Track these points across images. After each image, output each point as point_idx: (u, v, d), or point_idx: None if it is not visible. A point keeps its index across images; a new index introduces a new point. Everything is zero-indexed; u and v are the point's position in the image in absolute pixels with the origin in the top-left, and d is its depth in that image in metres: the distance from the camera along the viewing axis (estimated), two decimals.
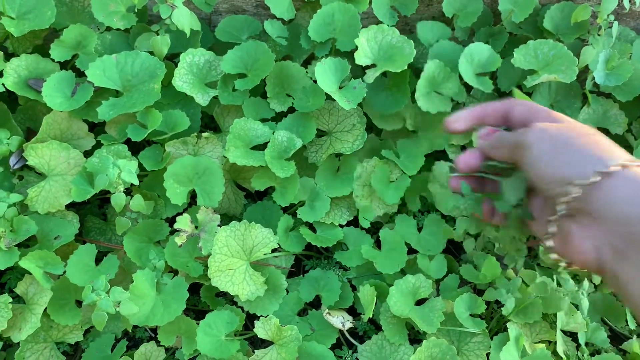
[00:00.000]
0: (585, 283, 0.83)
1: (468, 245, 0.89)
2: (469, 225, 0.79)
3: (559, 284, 0.84)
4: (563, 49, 0.89)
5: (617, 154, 0.52)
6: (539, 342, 0.87)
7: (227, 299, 0.92)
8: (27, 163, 0.86)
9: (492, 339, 0.84)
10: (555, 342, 0.86)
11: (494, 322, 0.90)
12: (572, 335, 0.89)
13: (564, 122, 0.58)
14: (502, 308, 0.86)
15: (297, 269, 0.97)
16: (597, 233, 0.51)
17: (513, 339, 0.81)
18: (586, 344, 0.88)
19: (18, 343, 0.85)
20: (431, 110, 0.90)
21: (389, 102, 0.92)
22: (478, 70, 0.92)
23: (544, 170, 0.54)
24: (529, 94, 0.99)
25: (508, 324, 0.84)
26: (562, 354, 0.85)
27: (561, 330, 0.87)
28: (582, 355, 0.87)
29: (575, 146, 0.54)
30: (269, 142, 0.89)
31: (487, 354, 0.83)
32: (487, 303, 0.87)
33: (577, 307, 0.85)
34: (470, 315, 0.85)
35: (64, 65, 0.91)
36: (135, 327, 0.92)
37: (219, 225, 0.85)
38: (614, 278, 0.51)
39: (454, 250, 0.99)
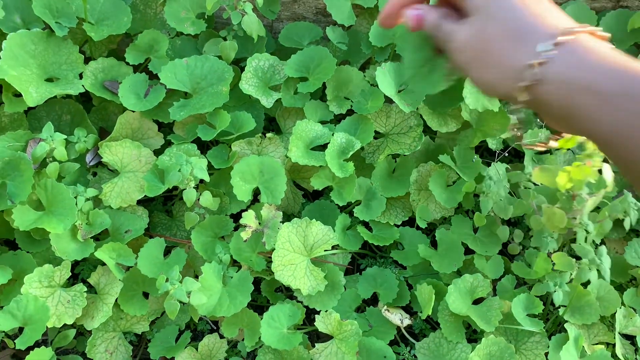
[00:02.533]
0: (602, 248, 0.84)
1: (503, 234, 0.91)
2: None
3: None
4: None
5: (547, 31, 0.50)
6: (596, 344, 0.87)
7: (286, 294, 0.95)
8: (101, 160, 0.91)
9: (549, 339, 0.85)
10: (614, 345, 0.86)
11: (550, 324, 0.91)
12: (630, 338, 0.90)
13: None
14: (559, 309, 0.88)
15: (352, 268, 0.99)
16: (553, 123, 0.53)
17: (572, 339, 0.81)
18: None
19: (90, 331, 0.89)
20: (479, 108, 0.92)
21: (445, 101, 0.94)
22: None
23: (480, 78, 0.54)
24: None
25: (566, 325, 0.85)
26: (621, 357, 0.85)
27: (619, 333, 0.88)
28: None
29: (493, 53, 0.53)
30: (328, 143, 0.92)
31: (545, 354, 0.84)
32: (544, 303, 0.88)
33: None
34: (527, 315, 0.86)
35: (136, 68, 0.96)
36: (196, 321, 0.95)
37: (281, 222, 0.88)
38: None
39: (507, 254, 1.00)
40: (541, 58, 0.49)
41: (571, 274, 0.87)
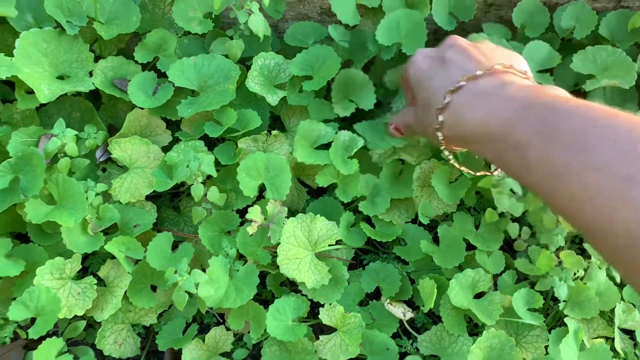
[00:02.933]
0: None
1: (513, 230, 0.92)
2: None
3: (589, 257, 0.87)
4: (622, 54, 0.92)
5: (456, 76, 0.68)
6: (596, 338, 0.89)
7: (290, 288, 0.97)
8: (111, 156, 0.94)
9: (549, 332, 0.86)
10: (613, 339, 0.88)
11: (550, 318, 0.92)
12: (629, 333, 0.91)
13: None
14: (559, 304, 0.89)
15: (355, 263, 1.01)
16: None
17: (572, 332, 0.83)
18: None
19: (99, 323, 0.91)
20: None
21: None
22: (537, 67, 0.96)
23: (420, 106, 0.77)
24: (584, 95, 1.01)
25: (566, 319, 0.86)
26: (620, 351, 0.87)
27: (618, 327, 0.89)
28: None
29: (422, 125, 0.77)
30: (332, 141, 0.94)
31: (545, 347, 0.86)
32: (544, 298, 0.89)
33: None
34: (528, 310, 0.88)
35: (145, 67, 0.98)
36: (204, 313, 0.97)
37: (286, 217, 0.90)
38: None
39: (508, 250, 1.02)
40: (438, 121, 0.70)
41: (577, 272, 0.89)
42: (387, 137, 0.94)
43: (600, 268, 0.87)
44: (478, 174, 0.88)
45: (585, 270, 0.90)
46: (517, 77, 0.67)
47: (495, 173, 0.86)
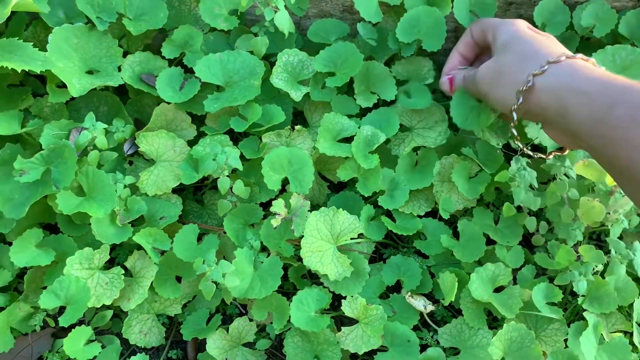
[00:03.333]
0: (637, 243, 0.87)
1: (530, 224, 0.93)
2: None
3: (615, 252, 0.88)
4: None
5: (532, 63, 0.73)
6: (614, 332, 0.90)
7: (312, 281, 0.98)
8: (138, 150, 0.96)
9: (568, 326, 0.88)
10: (631, 333, 0.89)
11: (569, 313, 0.94)
12: None
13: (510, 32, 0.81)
14: (578, 298, 0.90)
15: (375, 258, 1.03)
16: (555, 130, 0.76)
17: (591, 326, 0.84)
18: None
19: (126, 313, 0.94)
20: None
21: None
22: None
23: (493, 102, 0.80)
24: None
25: (585, 313, 0.87)
26: (638, 345, 0.88)
27: (636, 322, 0.90)
28: None
29: (504, 74, 0.77)
30: (354, 135, 0.96)
31: (565, 341, 0.87)
32: (562, 293, 0.91)
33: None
34: (547, 303, 0.89)
35: (171, 62, 1.00)
36: (228, 304, 0.99)
37: (309, 211, 0.92)
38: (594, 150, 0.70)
39: (528, 245, 1.03)
40: (537, 71, 0.71)
41: (596, 266, 0.90)
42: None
43: (621, 263, 0.88)
44: (549, 157, 0.89)
45: (605, 265, 0.91)
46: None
47: (558, 153, 0.90)
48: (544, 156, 0.89)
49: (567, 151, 0.89)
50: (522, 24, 0.82)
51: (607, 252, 0.93)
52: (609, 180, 0.86)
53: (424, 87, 1.00)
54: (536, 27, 1.03)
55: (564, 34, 1.04)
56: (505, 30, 0.81)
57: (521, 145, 0.85)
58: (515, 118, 0.77)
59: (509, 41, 0.79)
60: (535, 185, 0.91)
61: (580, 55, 0.73)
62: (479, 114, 0.89)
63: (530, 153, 0.87)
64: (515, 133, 0.82)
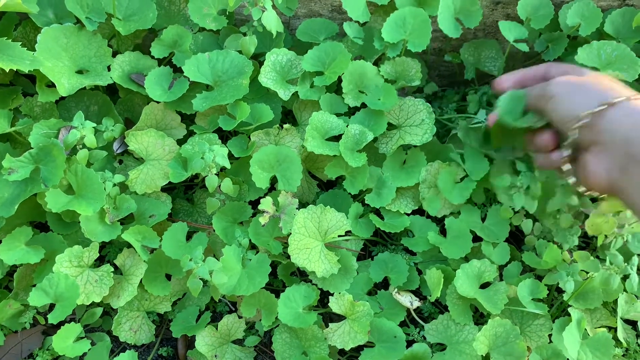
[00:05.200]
0: (635, 258, 0.87)
1: (526, 227, 0.94)
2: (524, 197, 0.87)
3: (610, 263, 0.88)
4: (626, 49, 0.94)
5: (623, 92, 0.66)
6: (599, 328, 0.91)
7: (301, 278, 0.99)
8: (127, 148, 0.96)
9: (553, 322, 0.89)
10: (615, 329, 0.90)
11: (555, 309, 0.94)
12: (632, 324, 0.93)
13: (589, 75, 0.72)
14: (563, 294, 0.91)
15: (364, 254, 1.04)
16: (606, 157, 0.65)
17: (575, 321, 0.85)
18: None
19: (116, 311, 0.94)
20: None
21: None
22: None
23: (562, 109, 0.69)
24: None
25: (569, 309, 0.88)
26: (622, 340, 0.89)
27: (621, 318, 0.91)
28: None
29: (586, 87, 0.68)
30: (342, 134, 0.97)
31: (549, 336, 0.88)
32: (548, 290, 0.91)
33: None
34: (532, 300, 0.90)
35: (161, 62, 1.01)
36: (217, 301, 1.00)
37: (297, 209, 0.93)
38: (621, 193, 0.64)
39: (514, 242, 1.04)
40: (596, 109, 0.65)
41: (588, 273, 0.90)
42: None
43: (617, 275, 0.88)
44: (597, 195, 0.75)
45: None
46: None
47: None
48: (593, 195, 0.76)
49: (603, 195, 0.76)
50: (561, 79, 0.73)
51: (597, 257, 0.94)
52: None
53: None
54: (521, 22, 1.04)
55: (552, 34, 1.06)
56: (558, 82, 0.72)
57: (580, 188, 0.73)
58: (570, 138, 0.68)
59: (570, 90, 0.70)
60: (539, 192, 0.90)
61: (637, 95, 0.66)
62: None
63: (577, 187, 0.75)
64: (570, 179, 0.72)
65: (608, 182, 0.65)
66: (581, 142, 0.68)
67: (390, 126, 1.01)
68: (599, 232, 0.87)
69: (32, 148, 0.87)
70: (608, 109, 0.64)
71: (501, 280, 0.94)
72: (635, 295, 0.93)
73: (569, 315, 0.88)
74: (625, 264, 0.86)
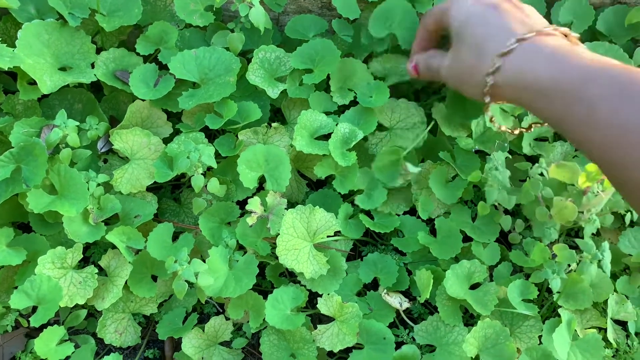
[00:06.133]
0: (605, 243, 0.87)
1: (505, 223, 0.94)
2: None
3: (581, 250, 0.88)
4: (619, 50, 0.94)
5: (518, 28, 0.65)
6: (589, 329, 0.90)
7: (290, 279, 0.98)
8: (112, 147, 0.94)
9: (543, 323, 0.88)
10: (605, 330, 0.89)
11: (545, 309, 0.94)
12: (622, 324, 0.93)
13: None
14: (553, 295, 0.91)
15: (354, 255, 1.03)
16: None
17: (565, 322, 0.84)
18: (636, 333, 0.91)
19: (100, 313, 0.93)
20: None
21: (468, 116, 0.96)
22: None
23: (464, 93, 0.75)
24: None
25: (559, 310, 0.88)
26: (612, 341, 0.88)
27: (611, 318, 0.91)
28: (632, 344, 0.90)
29: (466, 72, 0.71)
30: (332, 133, 0.95)
31: (539, 337, 0.87)
32: (539, 290, 0.91)
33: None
34: (523, 300, 0.89)
35: (146, 59, 0.99)
36: (203, 303, 0.99)
37: (286, 209, 0.91)
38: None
39: (504, 243, 1.03)
40: (495, 64, 0.65)
41: (569, 265, 0.90)
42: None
43: (591, 263, 0.88)
44: (516, 131, 0.83)
45: (577, 263, 0.91)
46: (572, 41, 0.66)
47: (530, 130, 0.84)
48: (524, 129, 0.84)
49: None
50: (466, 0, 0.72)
51: (579, 251, 0.94)
52: (581, 181, 0.86)
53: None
54: None
55: None
56: (457, 13, 0.72)
57: (497, 126, 0.82)
58: (487, 101, 0.70)
59: (464, 25, 0.70)
60: (508, 185, 0.91)
61: (549, 30, 0.65)
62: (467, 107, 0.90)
63: (509, 130, 0.82)
64: (489, 116, 0.77)
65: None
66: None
67: (381, 127, 1.00)
68: (565, 219, 0.87)
69: (13, 147, 0.85)
70: (492, 87, 0.67)
71: (491, 280, 0.94)
72: (626, 296, 0.92)
73: (559, 316, 0.88)
74: (596, 250, 0.85)
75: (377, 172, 0.97)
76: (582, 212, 0.88)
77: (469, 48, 0.70)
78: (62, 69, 0.93)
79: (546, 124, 0.67)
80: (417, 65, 0.85)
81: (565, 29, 0.66)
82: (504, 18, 0.68)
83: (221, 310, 0.99)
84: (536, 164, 0.90)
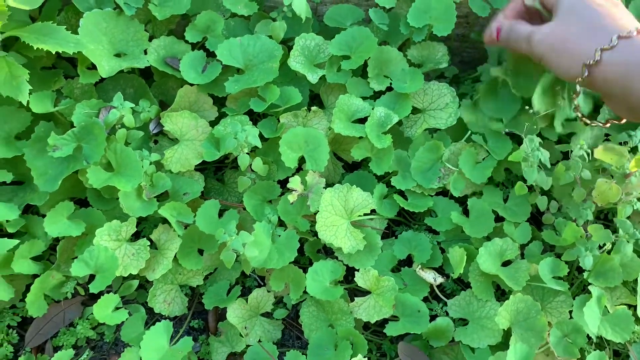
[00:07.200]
0: None
1: (542, 203, 0.96)
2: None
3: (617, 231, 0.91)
4: None
5: (613, 32, 0.70)
6: (619, 305, 0.93)
7: (327, 256, 1.03)
8: (162, 129, 1.01)
9: (573, 299, 0.91)
10: (635, 307, 0.92)
11: (575, 287, 0.97)
12: None
13: None
14: (583, 273, 0.94)
15: (388, 234, 1.07)
16: (611, 104, 0.76)
17: (595, 297, 0.87)
18: None
19: (151, 283, 0.99)
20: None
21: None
22: None
23: (555, 69, 0.77)
24: None
25: (590, 287, 0.91)
26: None
27: None
28: None
29: (569, 47, 0.74)
30: (368, 116, 1.00)
31: (570, 313, 0.90)
32: (569, 269, 0.94)
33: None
34: (553, 278, 0.92)
35: (194, 46, 1.05)
36: (246, 276, 1.04)
37: (324, 188, 0.96)
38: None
39: (535, 224, 1.06)
40: (606, 46, 0.65)
41: (603, 244, 0.93)
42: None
43: (628, 242, 0.90)
44: (607, 125, 0.87)
45: (613, 244, 0.94)
46: None
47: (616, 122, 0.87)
48: (601, 124, 0.87)
49: (624, 120, 0.86)
50: None
51: (614, 231, 0.96)
52: (632, 165, 0.88)
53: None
54: None
55: None
56: None
57: (581, 114, 0.84)
58: (578, 89, 0.75)
59: (574, 7, 0.75)
60: (548, 165, 0.93)
61: None
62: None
63: (588, 121, 0.85)
64: (577, 103, 0.80)
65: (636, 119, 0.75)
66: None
67: (415, 110, 1.04)
68: (606, 200, 0.89)
69: (75, 127, 0.92)
70: (595, 64, 0.70)
71: (522, 258, 0.97)
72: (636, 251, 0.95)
73: (589, 293, 0.91)
74: (634, 229, 0.88)
75: (415, 173, 1.00)
76: (623, 195, 0.90)
77: (582, 24, 0.74)
78: (117, 55, 1.00)
79: (624, 120, 0.76)
80: (500, 28, 0.85)
81: None
82: (612, 13, 0.74)
83: (262, 284, 1.04)
84: (577, 146, 0.93)
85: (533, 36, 0.78)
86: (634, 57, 0.67)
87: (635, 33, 0.69)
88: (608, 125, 0.87)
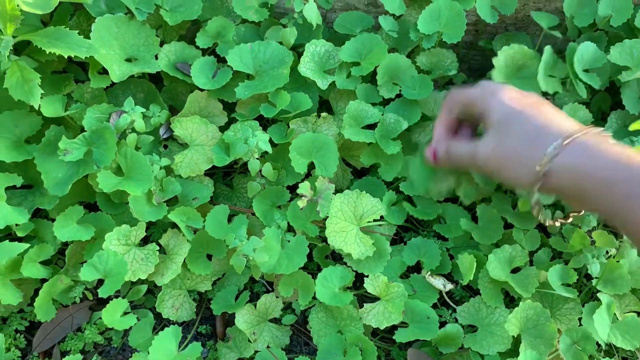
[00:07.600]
0: None
1: (544, 217, 0.97)
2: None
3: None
4: None
5: (558, 133, 0.68)
6: (627, 313, 0.93)
7: (335, 262, 1.03)
8: (172, 134, 1.01)
9: (582, 306, 0.91)
10: None
11: (584, 295, 0.97)
12: None
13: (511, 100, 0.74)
14: (592, 280, 0.94)
15: (396, 240, 1.07)
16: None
17: (605, 305, 0.87)
18: None
19: (159, 288, 0.99)
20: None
21: None
22: (585, 67, 1.00)
23: (506, 181, 0.74)
24: (619, 88, 1.06)
25: (599, 294, 0.91)
26: None
27: None
28: None
29: (517, 157, 0.70)
30: (378, 122, 1.00)
31: (579, 320, 0.90)
32: (577, 276, 0.94)
33: None
34: (562, 285, 0.92)
35: (205, 52, 1.05)
36: (254, 282, 1.04)
37: (334, 193, 0.97)
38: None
39: (543, 229, 1.06)
40: (551, 155, 0.64)
41: (609, 250, 0.93)
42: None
43: (632, 247, 0.91)
44: (557, 223, 0.83)
45: (617, 249, 0.94)
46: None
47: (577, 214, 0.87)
48: (564, 221, 0.84)
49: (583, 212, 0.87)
50: (510, 95, 0.74)
51: (619, 237, 0.97)
52: None
53: None
54: (564, 19, 1.06)
55: (593, 34, 1.08)
56: (498, 108, 0.73)
57: (543, 219, 0.80)
58: (536, 198, 0.72)
59: (507, 120, 0.72)
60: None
61: (592, 129, 0.68)
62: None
63: (551, 222, 0.82)
64: (533, 207, 0.75)
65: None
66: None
67: (424, 117, 1.04)
68: None
69: (86, 131, 0.92)
70: (546, 172, 0.67)
71: (531, 265, 0.97)
72: None
73: (598, 300, 0.91)
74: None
75: (412, 175, 0.98)
76: None
77: (521, 136, 0.71)
78: (128, 59, 1.00)
79: (583, 212, 0.75)
80: (436, 151, 0.83)
81: (599, 128, 0.69)
82: (545, 115, 0.72)
83: (270, 289, 1.04)
84: None
85: (476, 156, 0.75)
86: (580, 164, 0.66)
87: (578, 135, 0.67)
88: (570, 220, 0.84)
